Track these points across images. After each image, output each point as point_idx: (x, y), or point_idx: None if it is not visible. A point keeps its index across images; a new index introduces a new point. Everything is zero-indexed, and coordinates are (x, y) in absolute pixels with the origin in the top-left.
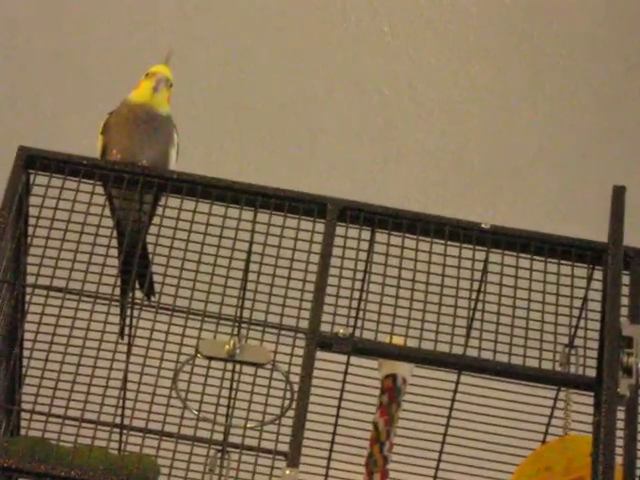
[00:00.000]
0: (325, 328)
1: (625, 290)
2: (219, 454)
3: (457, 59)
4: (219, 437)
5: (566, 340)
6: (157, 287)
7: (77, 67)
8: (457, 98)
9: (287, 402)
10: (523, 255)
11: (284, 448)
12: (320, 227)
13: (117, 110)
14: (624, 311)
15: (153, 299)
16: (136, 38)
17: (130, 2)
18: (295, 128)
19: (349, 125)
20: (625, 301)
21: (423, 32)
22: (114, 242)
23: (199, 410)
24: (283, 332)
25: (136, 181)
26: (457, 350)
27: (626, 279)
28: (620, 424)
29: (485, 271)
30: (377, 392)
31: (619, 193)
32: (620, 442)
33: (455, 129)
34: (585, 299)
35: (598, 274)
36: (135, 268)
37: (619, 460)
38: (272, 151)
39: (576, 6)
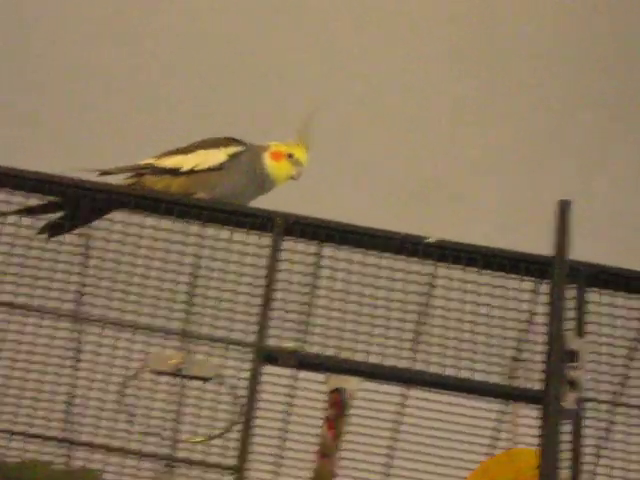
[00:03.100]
0: (272, 342)
1: (571, 304)
2: (166, 468)
3: (406, 75)
4: (166, 451)
5: (513, 353)
6: (104, 302)
7: None
8: (404, 114)
9: (234, 416)
10: (470, 269)
11: (231, 462)
12: (267, 241)
13: (242, 159)
14: (570, 324)
15: (101, 313)
16: None
17: None
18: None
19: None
20: (570, 315)
21: (377, 48)
22: (62, 257)
23: (146, 424)
24: (230, 346)
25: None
26: (404, 364)
27: (572, 292)
28: (565, 437)
29: (432, 285)
30: (324, 406)
31: (564, 207)
32: (566, 455)
33: (402, 145)
34: (531, 313)
35: (544, 288)
36: None
37: (565, 473)
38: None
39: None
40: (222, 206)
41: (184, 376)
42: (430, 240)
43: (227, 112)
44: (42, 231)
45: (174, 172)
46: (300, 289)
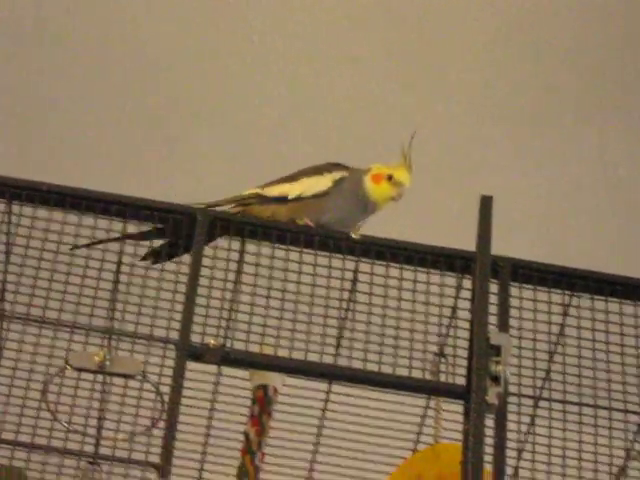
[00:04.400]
0: (196, 339)
1: (494, 299)
2: (90, 466)
3: (328, 69)
4: (90, 449)
5: (436, 349)
6: (26, 299)
7: None
8: (320, 107)
9: (158, 413)
10: (393, 264)
11: (155, 459)
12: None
13: (346, 185)
14: (493, 320)
15: (22, 310)
16: None
17: None
18: (167, 138)
19: (218, 136)
20: (494, 310)
21: (290, 45)
22: None
23: (69, 422)
24: (153, 343)
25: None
26: (328, 359)
27: (495, 288)
28: (489, 432)
29: (355, 280)
30: (248, 402)
31: (486, 203)
32: (490, 450)
33: (323, 139)
34: (454, 308)
35: (468, 283)
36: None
37: (489, 467)
38: (142, 162)
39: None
40: (145, 203)
41: (107, 373)
42: (354, 236)
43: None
44: (146, 257)
45: (281, 200)
46: (223, 285)
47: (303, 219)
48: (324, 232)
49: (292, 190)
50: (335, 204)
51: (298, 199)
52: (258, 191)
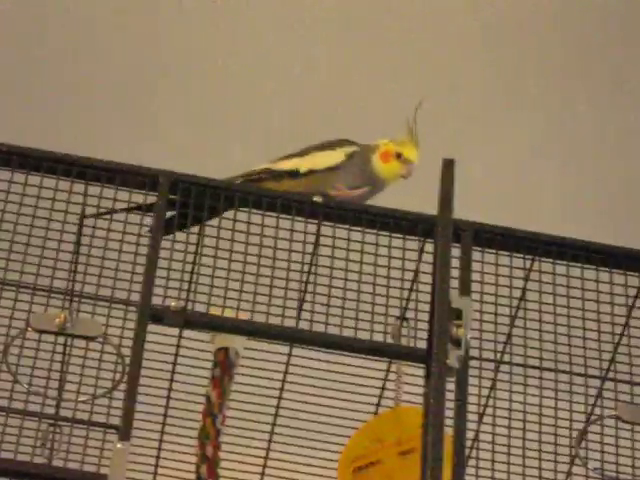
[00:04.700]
0: (157, 301)
1: (456, 263)
2: (50, 428)
3: (292, 41)
4: (50, 411)
5: (398, 313)
6: None
7: None
8: (289, 76)
9: (119, 375)
10: (355, 228)
11: (116, 421)
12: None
13: (356, 160)
14: (455, 284)
15: None
16: None
17: None
18: (130, 102)
19: (183, 100)
20: (456, 274)
21: (254, 13)
22: None
23: (30, 384)
24: (114, 305)
25: None
26: (290, 323)
27: (457, 252)
28: (450, 396)
29: (317, 244)
30: (210, 365)
31: (448, 166)
32: (451, 413)
33: (291, 104)
34: (416, 272)
35: (430, 247)
36: None
37: (449, 431)
38: (106, 124)
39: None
40: (107, 165)
41: (68, 335)
42: (316, 199)
43: None
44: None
45: (293, 174)
46: (185, 248)
47: (316, 193)
48: (286, 195)
49: (303, 164)
50: (346, 178)
51: (310, 173)
52: (269, 166)
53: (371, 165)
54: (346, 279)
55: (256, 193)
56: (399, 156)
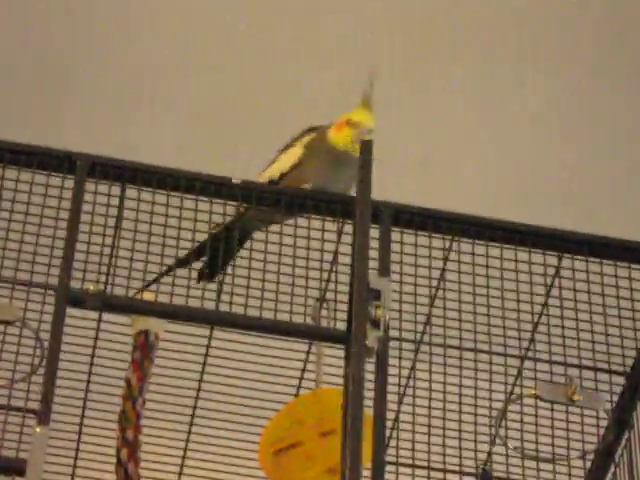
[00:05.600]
0: (76, 285)
1: (375, 244)
2: None
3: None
4: None
5: (317, 294)
6: None
7: None
8: (216, 54)
9: (37, 360)
10: (274, 210)
11: (35, 406)
12: (70, 183)
13: (314, 144)
14: (374, 265)
15: None
16: None
17: None
18: (45, 83)
19: (101, 78)
20: (375, 255)
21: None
22: None
23: None
24: (33, 289)
25: None
26: (209, 306)
27: (376, 233)
28: (370, 377)
29: (236, 226)
30: (130, 348)
31: (367, 147)
32: (371, 394)
33: (214, 88)
34: (336, 253)
35: (349, 228)
36: None
37: (370, 412)
38: (22, 105)
39: None
40: (23, 148)
41: None
42: (235, 181)
43: None
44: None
45: (274, 184)
46: (103, 231)
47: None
48: (205, 176)
49: (274, 171)
50: (313, 169)
51: (282, 177)
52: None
53: (327, 141)
54: (265, 261)
55: (175, 176)
56: (349, 122)
